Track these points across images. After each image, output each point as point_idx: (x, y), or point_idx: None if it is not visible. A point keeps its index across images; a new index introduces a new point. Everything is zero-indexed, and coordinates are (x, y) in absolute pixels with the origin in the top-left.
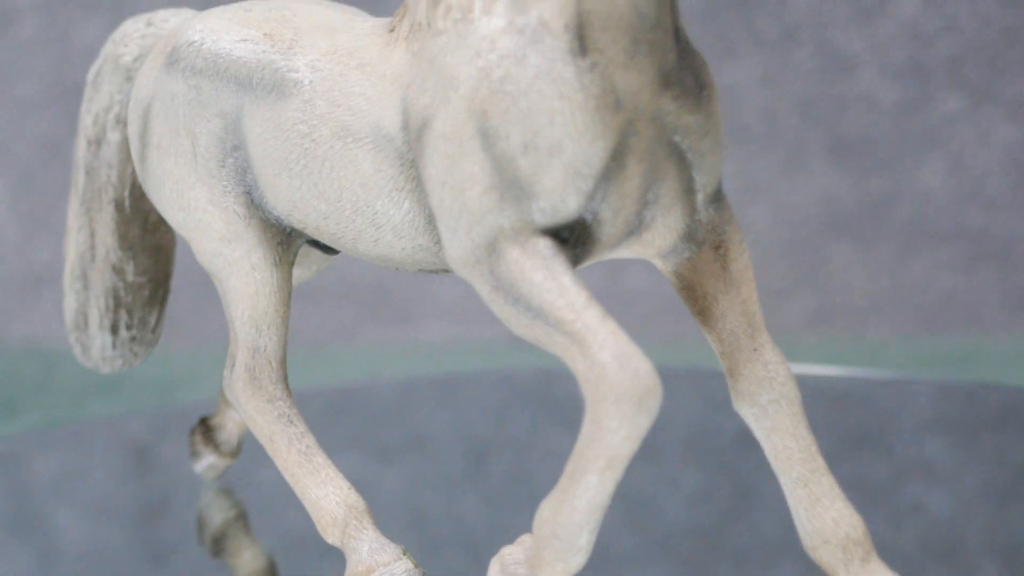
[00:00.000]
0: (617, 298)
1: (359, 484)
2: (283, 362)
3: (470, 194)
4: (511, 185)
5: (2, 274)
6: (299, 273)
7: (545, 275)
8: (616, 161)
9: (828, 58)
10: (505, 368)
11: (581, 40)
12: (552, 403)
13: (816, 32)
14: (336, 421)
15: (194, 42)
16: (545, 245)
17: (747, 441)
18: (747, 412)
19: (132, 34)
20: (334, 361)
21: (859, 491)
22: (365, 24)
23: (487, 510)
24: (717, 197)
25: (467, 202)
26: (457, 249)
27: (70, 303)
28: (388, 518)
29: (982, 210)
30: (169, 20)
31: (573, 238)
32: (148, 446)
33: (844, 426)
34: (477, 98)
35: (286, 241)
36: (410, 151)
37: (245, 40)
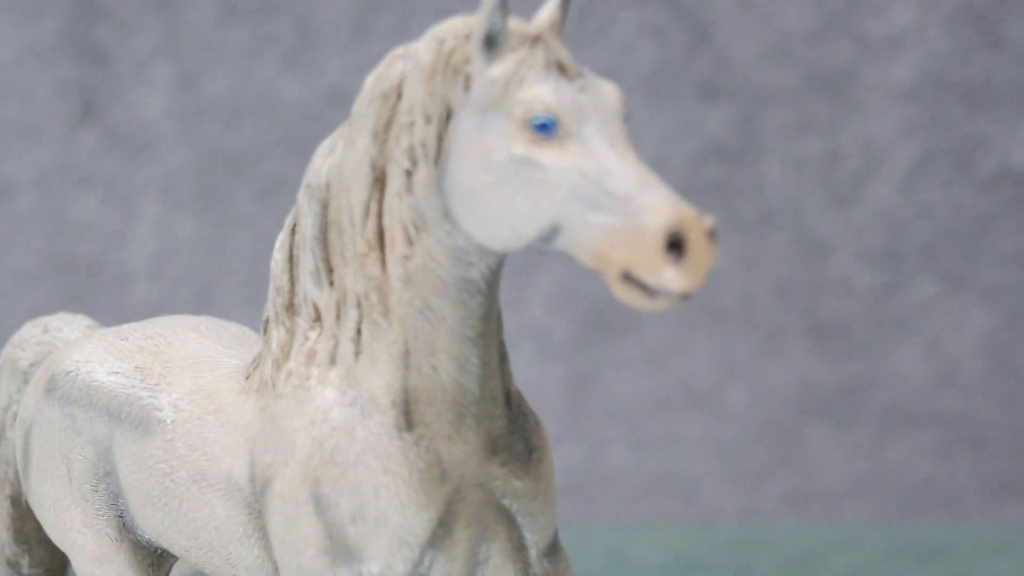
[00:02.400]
0: (599, 475)
1: None
2: None
3: (305, 555)
4: (342, 550)
5: None
6: (185, 568)
7: None
8: (443, 528)
9: (804, 243)
10: None
11: (407, 415)
12: None
13: (793, 217)
14: None
15: (70, 372)
16: None
17: None
18: None
19: (29, 339)
20: None
21: None
22: (231, 362)
23: None
24: (552, 550)
25: (303, 562)
26: None
27: None
28: None
29: (958, 395)
30: (63, 330)
31: None
32: None
33: None
34: (311, 466)
35: (157, 562)
36: (257, 502)
37: (117, 373)
